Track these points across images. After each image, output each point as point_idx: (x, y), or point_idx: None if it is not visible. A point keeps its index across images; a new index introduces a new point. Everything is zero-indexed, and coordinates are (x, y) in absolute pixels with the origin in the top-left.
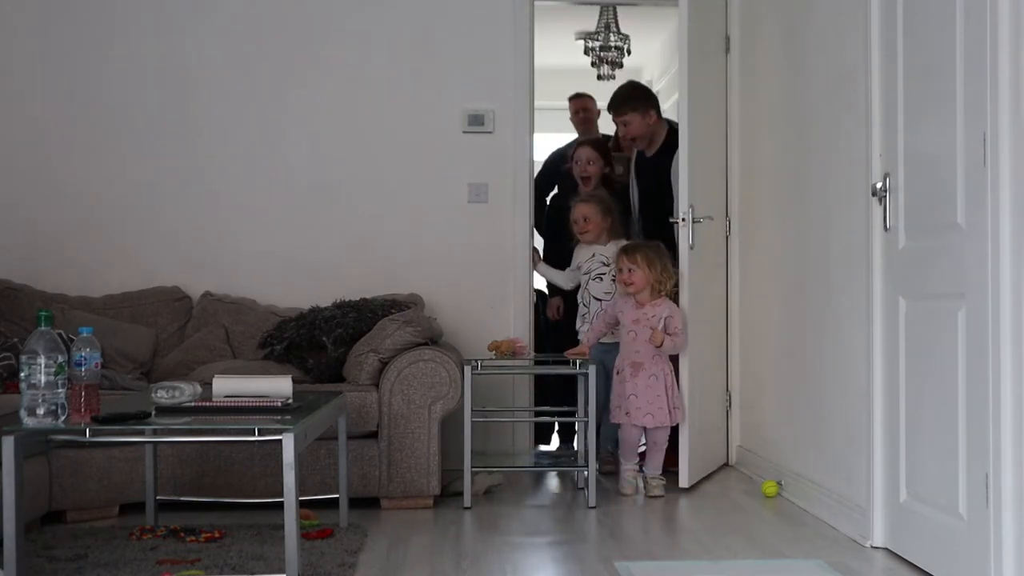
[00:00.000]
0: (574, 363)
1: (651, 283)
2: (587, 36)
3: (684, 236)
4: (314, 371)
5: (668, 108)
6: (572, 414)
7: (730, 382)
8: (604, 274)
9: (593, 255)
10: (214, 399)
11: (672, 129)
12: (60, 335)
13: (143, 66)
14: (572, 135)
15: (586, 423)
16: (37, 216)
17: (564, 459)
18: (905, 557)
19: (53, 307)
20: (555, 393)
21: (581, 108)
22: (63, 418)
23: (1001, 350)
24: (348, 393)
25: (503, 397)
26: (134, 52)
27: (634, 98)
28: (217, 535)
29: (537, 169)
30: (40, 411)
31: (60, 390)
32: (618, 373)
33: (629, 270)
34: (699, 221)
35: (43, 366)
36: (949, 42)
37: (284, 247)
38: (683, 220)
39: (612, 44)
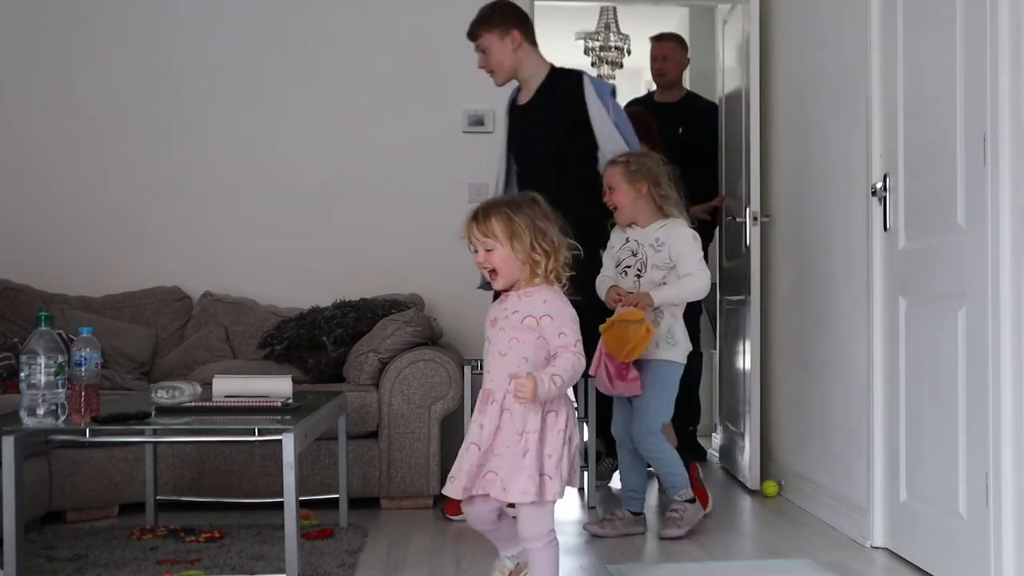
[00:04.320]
0: None
1: (521, 263)
2: (587, 36)
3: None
4: (314, 371)
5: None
6: None
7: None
8: (631, 267)
9: (626, 240)
10: (214, 399)
11: (556, 71)
12: (60, 335)
13: (143, 66)
14: None
15: (585, 422)
16: (37, 216)
17: None
18: (905, 557)
19: (53, 307)
20: None
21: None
22: (63, 418)
23: (1001, 350)
24: (348, 393)
25: None
26: (134, 52)
27: (490, 17)
28: (217, 535)
29: None
30: (40, 411)
31: (60, 390)
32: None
33: (486, 249)
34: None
35: (43, 366)
36: (949, 42)
37: (284, 247)
38: (755, 220)
39: (612, 44)
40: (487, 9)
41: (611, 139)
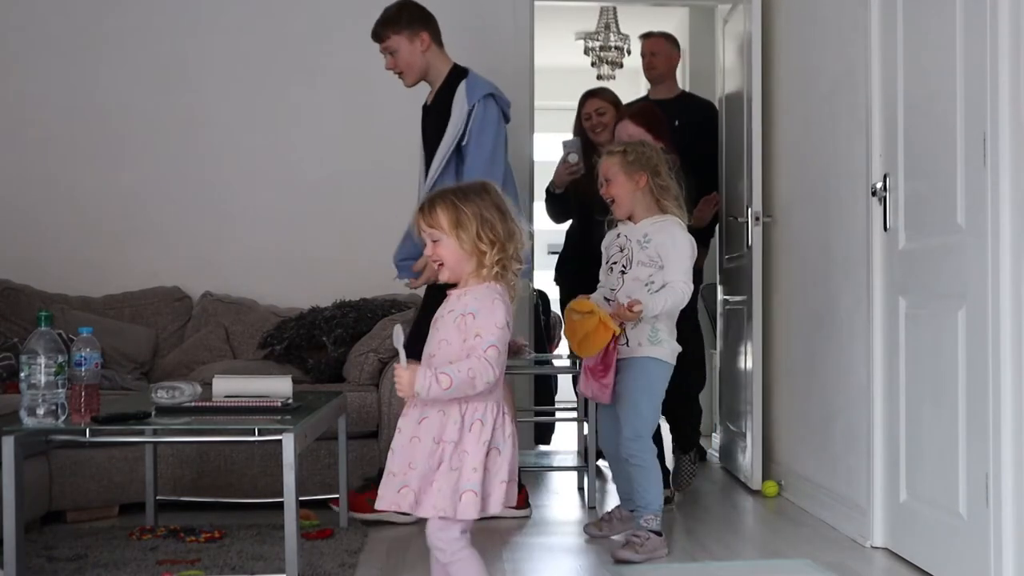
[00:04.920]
0: (575, 363)
1: (468, 255)
2: (587, 36)
3: (756, 236)
4: (314, 371)
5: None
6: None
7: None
8: (617, 263)
9: (617, 236)
10: (214, 399)
11: (454, 70)
12: (60, 335)
13: (143, 66)
14: (568, 135)
15: (586, 422)
16: (37, 216)
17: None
18: (905, 557)
19: (53, 307)
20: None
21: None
22: (63, 418)
23: (1001, 350)
24: (348, 393)
25: None
26: (134, 52)
27: (398, 19)
28: (217, 535)
29: (546, 167)
30: (40, 411)
31: (60, 390)
32: None
33: (433, 241)
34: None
35: (43, 366)
36: (949, 42)
37: (284, 247)
38: (757, 220)
39: (612, 44)
40: (393, 10)
41: (449, 141)
